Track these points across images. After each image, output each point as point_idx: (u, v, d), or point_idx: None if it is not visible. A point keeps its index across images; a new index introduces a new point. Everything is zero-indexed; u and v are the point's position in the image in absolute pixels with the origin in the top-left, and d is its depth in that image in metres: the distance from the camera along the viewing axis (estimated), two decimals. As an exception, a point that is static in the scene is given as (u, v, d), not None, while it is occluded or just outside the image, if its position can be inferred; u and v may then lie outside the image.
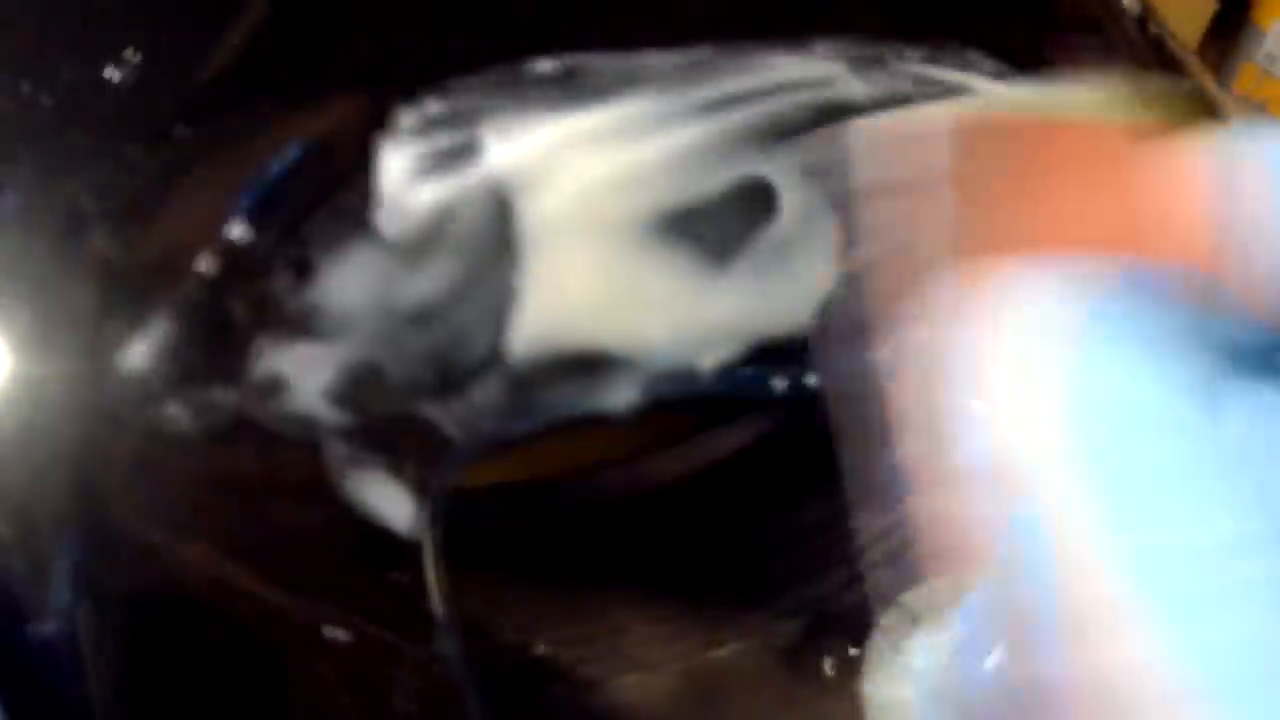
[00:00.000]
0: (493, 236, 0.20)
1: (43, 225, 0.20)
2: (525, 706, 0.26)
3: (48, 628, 0.19)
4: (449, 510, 0.20)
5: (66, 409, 0.19)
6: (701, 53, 0.21)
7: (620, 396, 0.20)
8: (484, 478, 0.24)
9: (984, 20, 0.25)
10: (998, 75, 0.25)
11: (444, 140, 0.20)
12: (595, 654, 0.28)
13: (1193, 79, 0.29)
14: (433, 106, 0.20)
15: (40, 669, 0.19)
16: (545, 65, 0.20)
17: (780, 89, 0.22)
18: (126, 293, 0.19)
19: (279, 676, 0.19)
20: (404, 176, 0.19)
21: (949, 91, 0.24)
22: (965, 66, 0.24)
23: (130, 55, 0.20)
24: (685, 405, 0.22)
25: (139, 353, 0.19)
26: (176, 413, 0.19)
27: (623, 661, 0.28)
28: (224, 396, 0.19)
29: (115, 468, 0.19)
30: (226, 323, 0.19)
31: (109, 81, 0.20)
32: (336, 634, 0.19)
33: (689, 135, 0.21)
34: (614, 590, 0.28)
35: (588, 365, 0.20)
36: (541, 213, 0.20)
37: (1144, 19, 0.28)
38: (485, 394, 0.20)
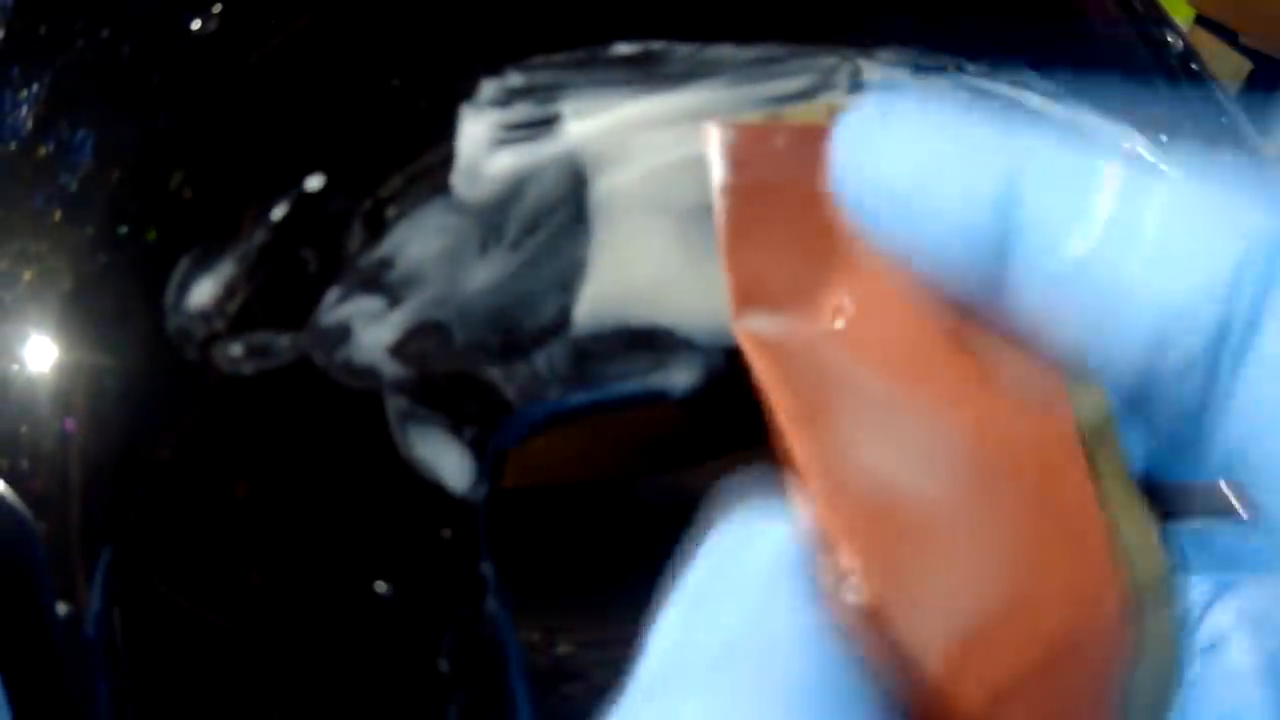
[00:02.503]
0: (565, 207, 0.21)
1: (117, 162, 0.21)
2: (541, 704, 0.27)
3: (72, 629, 0.19)
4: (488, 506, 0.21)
5: (114, 383, 0.20)
6: (773, 49, 0.23)
7: (680, 377, 0.21)
8: (517, 481, 0.25)
9: (1038, 44, 0.27)
10: (1050, 95, 0.26)
11: (524, 112, 0.21)
12: (617, 658, 0.28)
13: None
14: (515, 79, 0.21)
15: (56, 668, 0.20)
16: (626, 48, 0.22)
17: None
18: (198, 233, 0.20)
19: (324, 631, 0.20)
20: (483, 143, 0.21)
21: (1002, 104, 0.25)
22: (1019, 84, 0.26)
23: (215, 7, 0.22)
24: (737, 398, 0.23)
25: (204, 291, 0.20)
26: (237, 353, 0.19)
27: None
28: (287, 342, 0.20)
29: (162, 435, 0.20)
30: (296, 271, 0.20)
31: (192, 31, 0.22)
32: (385, 589, 0.20)
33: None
34: (642, 597, 0.29)
35: (650, 342, 0.21)
36: (614, 188, 0.21)
37: (1187, 56, 0.31)
38: (548, 362, 0.21)
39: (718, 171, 0.13)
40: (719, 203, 0.13)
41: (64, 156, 0.22)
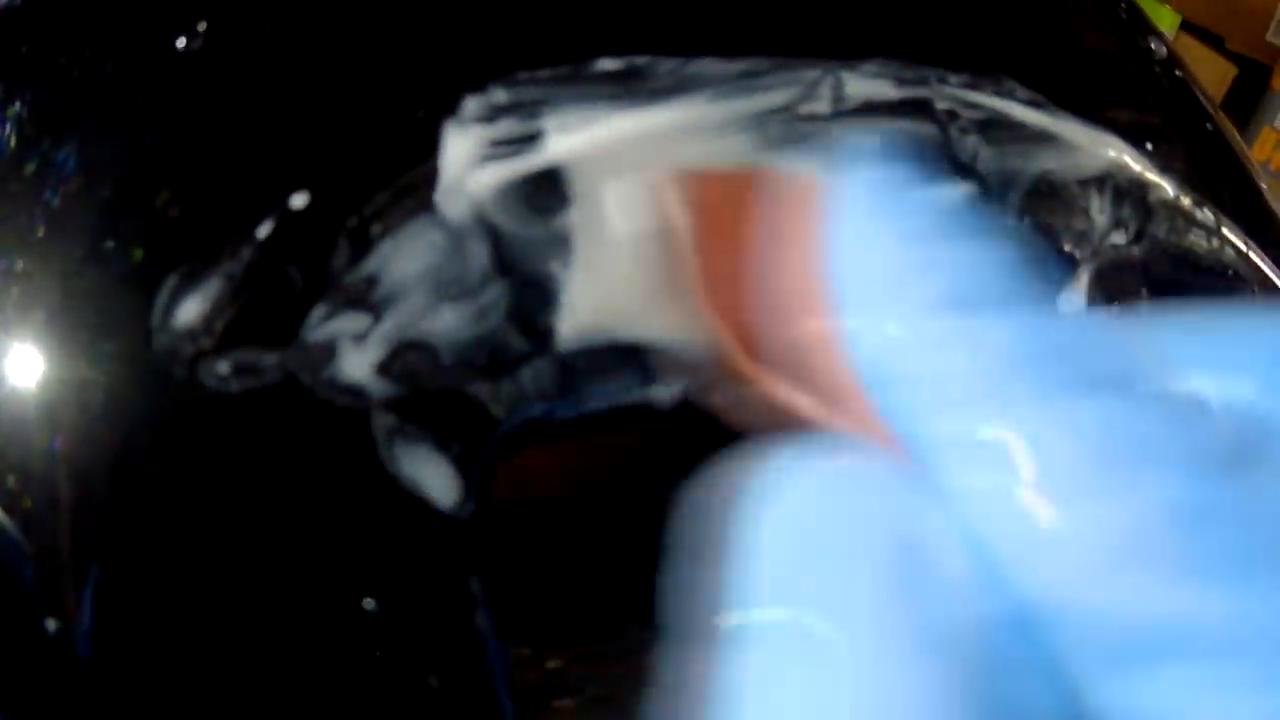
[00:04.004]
0: (548, 223, 0.21)
1: (104, 181, 0.21)
2: (531, 719, 0.27)
3: (62, 646, 0.20)
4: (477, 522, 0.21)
5: (101, 401, 0.20)
6: (756, 62, 0.23)
7: (664, 389, 0.22)
8: (505, 496, 0.25)
9: (1021, 53, 0.28)
10: (1032, 104, 0.27)
11: (508, 128, 0.21)
12: (607, 672, 0.29)
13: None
14: (499, 95, 0.21)
15: (47, 684, 0.20)
16: (609, 63, 0.22)
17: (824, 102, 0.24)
18: (184, 251, 0.20)
19: (313, 649, 0.20)
20: (466, 160, 0.21)
21: (986, 115, 0.26)
22: (1002, 94, 0.26)
23: (200, 25, 0.22)
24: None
25: (191, 309, 0.20)
26: (224, 371, 0.20)
27: (634, 680, 0.29)
28: (273, 360, 0.20)
29: (150, 453, 0.20)
30: (282, 289, 0.20)
31: (177, 49, 0.22)
32: (374, 606, 0.20)
33: (739, 140, 0.23)
34: (631, 610, 0.29)
35: (635, 356, 0.22)
36: (597, 203, 0.21)
37: (1171, 63, 0.31)
38: (533, 377, 0.21)
39: (685, 223, 0.14)
40: (691, 254, 0.14)
41: (49, 174, 0.22)
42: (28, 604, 0.20)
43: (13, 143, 0.23)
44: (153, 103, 0.22)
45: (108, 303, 0.20)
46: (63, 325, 0.21)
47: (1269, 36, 0.57)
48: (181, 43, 0.22)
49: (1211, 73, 0.58)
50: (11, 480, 0.20)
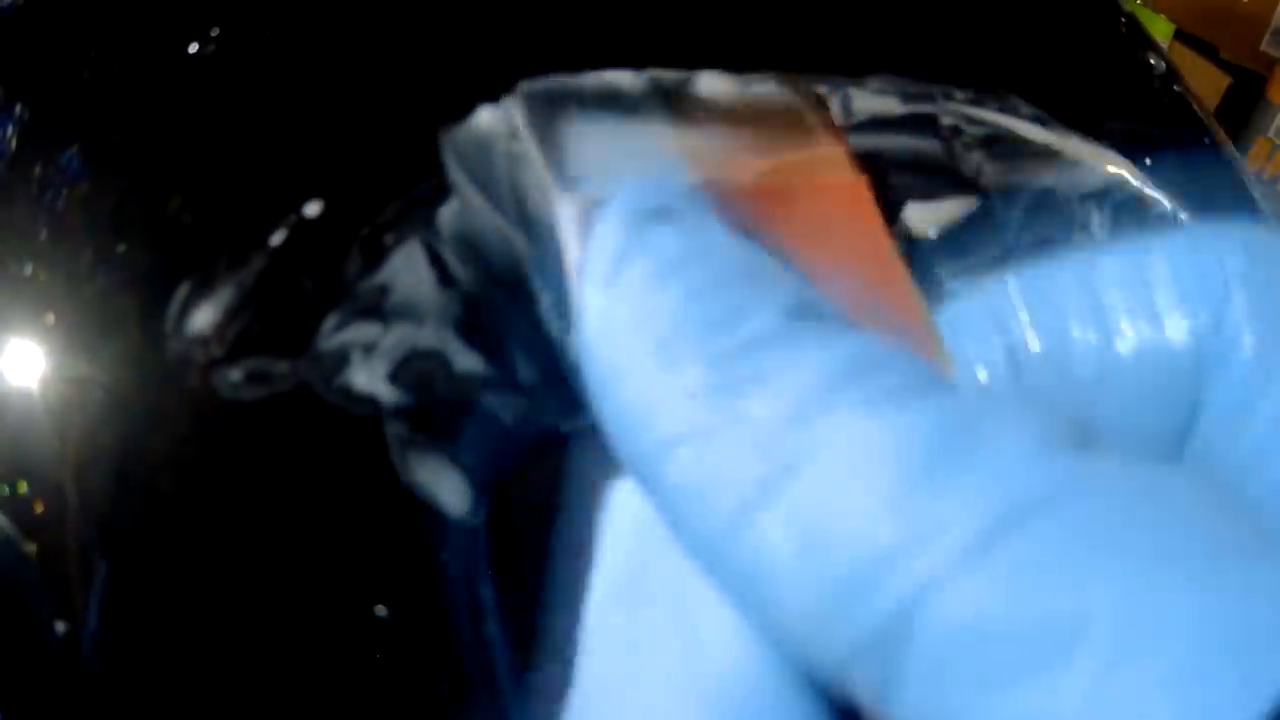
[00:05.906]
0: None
1: (114, 186, 0.21)
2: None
3: (70, 649, 0.20)
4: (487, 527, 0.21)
5: (110, 405, 0.20)
6: (765, 78, 0.24)
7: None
8: (516, 504, 0.25)
9: (1024, 69, 0.28)
10: (1035, 119, 0.27)
11: (520, 138, 0.22)
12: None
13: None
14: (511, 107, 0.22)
15: (55, 685, 0.20)
16: (620, 77, 0.22)
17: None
18: (196, 258, 0.21)
19: (324, 654, 0.20)
20: (479, 170, 0.21)
21: (990, 130, 0.27)
22: (1006, 110, 0.27)
23: (213, 31, 0.22)
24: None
25: (204, 316, 0.20)
26: (237, 378, 0.20)
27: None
28: (286, 368, 0.20)
29: (159, 459, 0.20)
30: (295, 297, 0.21)
31: (189, 55, 0.22)
32: (385, 613, 0.20)
33: (748, 153, 0.24)
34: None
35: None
36: (609, 215, 0.22)
37: (1170, 78, 0.32)
38: (544, 388, 0.21)
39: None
40: None
41: (54, 178, 0.23)
42: (37, 607, 0.20)
43: (14, 144, 0.23)
44: (164, 107, 0.22)
45: (119, 309, 0.21)
46: (73, 331, 0.21)
47: (1263, 46, 0.59)
48: (194, 47, 0.22)
49: (1205, 82, 0.59)
50: (22, 486, 0.20)
